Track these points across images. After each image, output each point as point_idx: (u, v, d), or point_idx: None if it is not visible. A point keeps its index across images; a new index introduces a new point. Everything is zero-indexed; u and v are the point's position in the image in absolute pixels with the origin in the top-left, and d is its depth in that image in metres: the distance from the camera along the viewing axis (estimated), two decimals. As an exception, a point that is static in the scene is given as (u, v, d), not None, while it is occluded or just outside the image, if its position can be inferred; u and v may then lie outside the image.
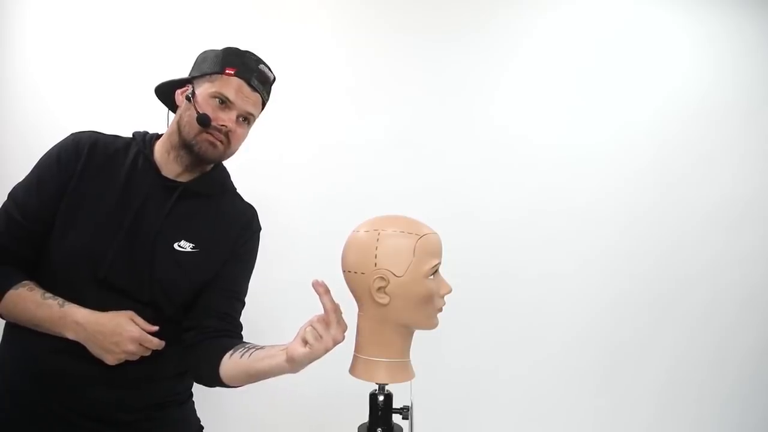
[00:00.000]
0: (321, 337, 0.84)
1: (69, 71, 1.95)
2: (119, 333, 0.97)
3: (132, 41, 1.95)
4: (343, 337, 0.86)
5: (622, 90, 2.03)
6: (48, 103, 1.94)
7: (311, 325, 0.85)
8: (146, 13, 1.96)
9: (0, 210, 1.05)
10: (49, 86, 1.95)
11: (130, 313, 1.01)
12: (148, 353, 1.01)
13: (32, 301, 0.98)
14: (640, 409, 2.01)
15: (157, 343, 1.01)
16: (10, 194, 1.06)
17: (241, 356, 0.96)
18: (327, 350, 0.84)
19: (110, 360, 0.97)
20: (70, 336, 0.97)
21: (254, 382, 0.98)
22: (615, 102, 2.02)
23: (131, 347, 0.97)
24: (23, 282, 1.01)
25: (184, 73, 1.14)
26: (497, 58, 2.01)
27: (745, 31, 2.06)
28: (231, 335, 1.07)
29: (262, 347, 0.97)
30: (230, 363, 0.98)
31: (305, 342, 0.84)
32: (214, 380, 1.01)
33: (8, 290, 0.99)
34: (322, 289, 0.84)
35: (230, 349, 0.99)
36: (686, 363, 2.02)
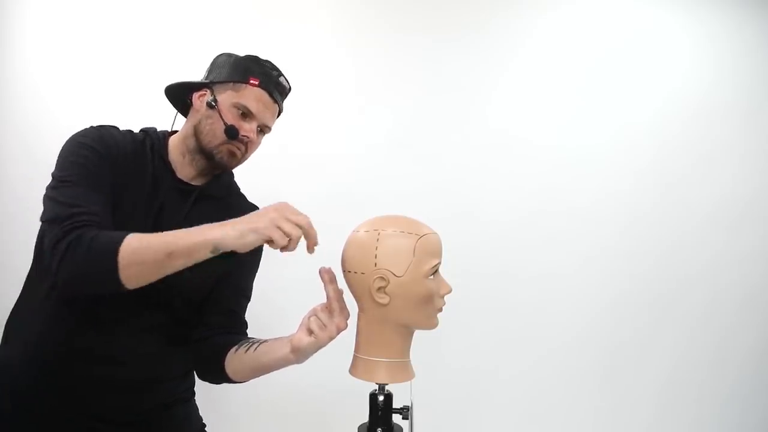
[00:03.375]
0: (325, 326, 0.85)
1: (69, 71, 1.96)
2: (287, 209, 0.87)
3: (132, 41, 1.95)
4: (347, 325, 0.87)
5: (622, 90, 2.03)
6: (48, 103, 1.95)
7: (315, 315, 0.86)
8: (146, 13, 1.96)
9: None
10: (49, 86, 1.96)
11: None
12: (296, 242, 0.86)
13: (157, 234, 0.88)
14: (640, 409, 2.01)
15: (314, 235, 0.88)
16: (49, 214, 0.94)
17: (246, 351, 0.97)
18: (331, 338, 0.86)
19: (264, 228, 0.84)
20: (217, 234, 0.85)
21: (259, 375, 0.99)
22: (615, 102, 2.02)
23: (299, 219, 0.86)
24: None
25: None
26: (497, 58, 2.01)
27: (745, 31, 2.06)
28: (236, 332, 1.08)
29: (266, 341, 0.97)
30: (235, 358, 0.99)
31: (310, 331, 0.85)
32: (219, 376, 1.01)
33: (127, 235, 0.88)
34: (327, 277, 0.86)
35: (235, 345, 1.00)
36: (686, 363, 2.02)
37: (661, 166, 2.02)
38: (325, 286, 0.86)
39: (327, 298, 0.86)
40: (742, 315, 2.03)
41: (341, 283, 0.91)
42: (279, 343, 0.92)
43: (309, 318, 0.87)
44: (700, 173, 2.04)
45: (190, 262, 0.87)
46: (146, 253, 0.85)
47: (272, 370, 0.96)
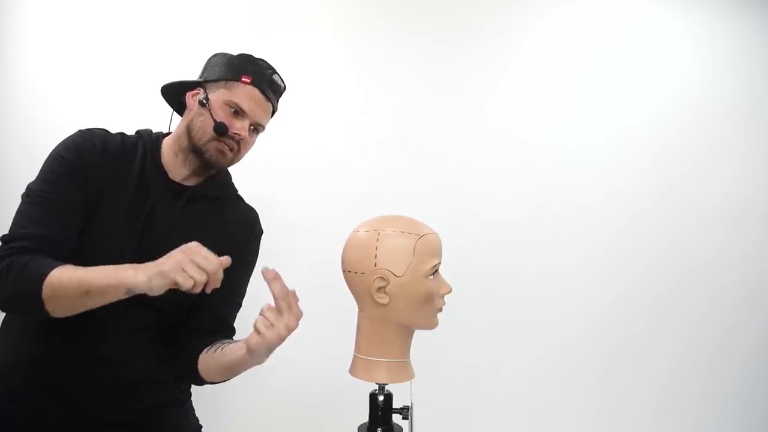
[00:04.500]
0: (272, 324, 0.84)
1: (68, 72, 1.95)
2: (194, 251, 0.86)
3: (132, 42, 1.95)
4: (297, 325, 0.85)
5: (622, 90, 2.03)
6: (47, 103, 1.95)
7: (262, 314, 0.86)
8: (144, 14, 1.96)
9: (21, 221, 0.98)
10: (49, 87, 1.96)
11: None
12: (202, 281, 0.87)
13: (80, 270, 0.90)
14: (640, 409, 2.00)
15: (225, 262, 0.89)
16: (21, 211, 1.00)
17: (215, 351, 1.00)
18: (281, 338, 0.85)
19: (169, 271, 0.84)
20: (129, 277, 0.86)
21: (229, 376, 1.02)
22: (616, 102, 2.02)
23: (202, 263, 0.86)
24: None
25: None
26: (497, 58, 2.01)
27: (745, 31, 2.06)
28: (221, 337, 1.08)
29: (233, 342, 1.00)
30: (205, 358, 1.02)
31: (258, 331, 0.85)
32: (193, 376, 1.04)
33: (54, 268, 0.90)
34: (270, 276, 0.85)
35: (208, 347, 1.03)
36: (686, 363, 2.02)
37: (661, 166, 2.02)
38: (269, 285, 0.85)
39: (273, 297, 0.86)
40: (742, 315, 2.03)
41: (342, 283, 0.91)
42: (239, 344, 0.93)
43: (257, 317, 0.87)
44: (700, 173, 2.03)
45: (107, 301, 0.89)
46: (65, 290, 0.88)
47: (237, 370, 0.98)
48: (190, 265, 0.84)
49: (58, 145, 1.04)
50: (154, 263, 0.87)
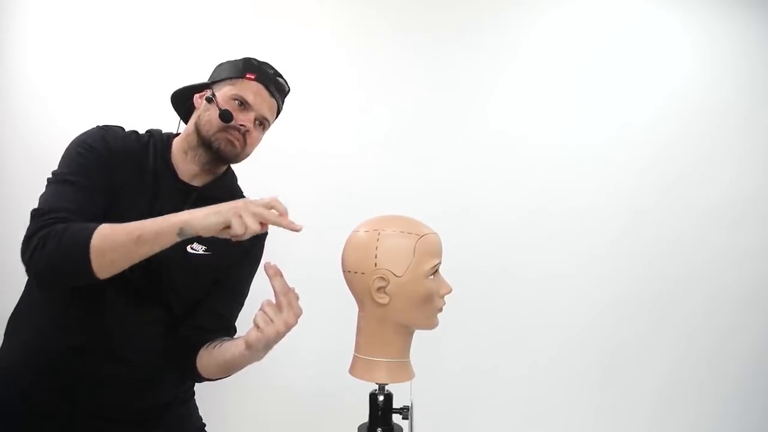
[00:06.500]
0: (271, 320, 0.85)
1: (69, 73, 1.95)
2: (253, 203, 0.88)
3: (132, 42, 1.95)
4: (296, 322, 0.86)
5: (622, 90, 2.03)
6: (48, 104, 1.95)
7: (262, 309, 0.86)
8: (145, 15, 1.96)
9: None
10: (50, 88, 1.96)
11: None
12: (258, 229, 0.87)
13: (126, 224, 0.89)
14: (640, 409, 2.01)
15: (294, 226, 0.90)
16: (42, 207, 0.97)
17: (214, 348, 1.01)
18: (279, 334, 0.85)
19: (226, 212, 0.86)
20: (183, 216, 0.87)
21: (228, 373, 1.02)
22: (616, 102, 2.02)
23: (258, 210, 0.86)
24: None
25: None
26: (497, 58, 2.01)
27: (745, 31, 2.06)
28: (220, 335, 1.08)
29: (233, 339, 1.00)
30: (204, 354, 1.02)
31: (257, 326, 0.85)
32: (192, 373, 1.04)
33: (98, 226, 0.90)
34: (272, 272, 0.86)
35: (208, 343, 1.03)
36: (686, 363, 2.02)
37: (661, 166, 2.02)
38: (270, 280, 0.86)
39: (274, 293, 0.86)
40: (742, 315, 2.03)
41: (342, 283, 0.91)
42: (239, 341, 0.94)
43: (257, 313, 0.87)
44: (700, 173, 2.03)
45: (157, 247, 0.88)
46: (115, 240, 0.87)
47: (236, 366, 0.99)
48: (247, 213, 0.85)
49: (79, 136, 1.04)
50: (210, 206, 0.88)
